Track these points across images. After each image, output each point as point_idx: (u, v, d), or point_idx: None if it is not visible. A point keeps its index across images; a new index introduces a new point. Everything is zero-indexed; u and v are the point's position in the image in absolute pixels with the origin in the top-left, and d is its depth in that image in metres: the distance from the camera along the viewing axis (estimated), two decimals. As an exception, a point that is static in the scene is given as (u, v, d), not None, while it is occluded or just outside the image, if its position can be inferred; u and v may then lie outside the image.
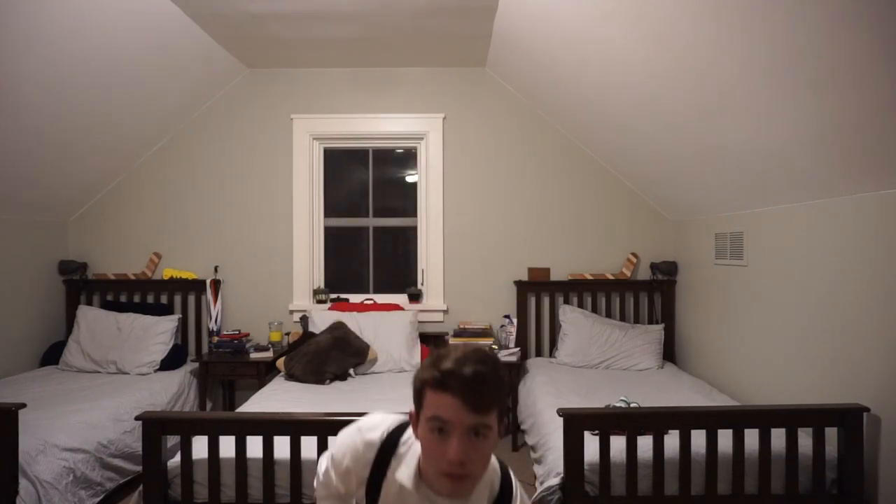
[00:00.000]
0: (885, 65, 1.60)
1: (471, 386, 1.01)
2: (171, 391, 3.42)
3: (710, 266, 3.44)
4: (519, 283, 4.01)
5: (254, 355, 3.70)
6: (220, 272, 4.08)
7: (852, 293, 2.22)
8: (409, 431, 1.17)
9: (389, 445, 1.17)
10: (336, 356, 3.47)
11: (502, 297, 4.06)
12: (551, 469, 2.25)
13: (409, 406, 1.13)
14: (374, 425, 1.21)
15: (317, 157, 4.21)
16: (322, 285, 4.20)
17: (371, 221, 4.29)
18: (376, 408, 1.40)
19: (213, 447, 2.07)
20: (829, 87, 1.82)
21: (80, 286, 4.01)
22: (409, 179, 4.31)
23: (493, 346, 3.77)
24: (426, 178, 4.12)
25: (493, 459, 1.19)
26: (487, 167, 4.11)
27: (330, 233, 4.25)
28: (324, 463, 1.31)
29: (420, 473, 1.13)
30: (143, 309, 3.93)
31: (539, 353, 4.02)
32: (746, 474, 2.09)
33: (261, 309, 4.09)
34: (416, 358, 3.68)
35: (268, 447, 2.06)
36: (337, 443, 1.25)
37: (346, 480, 1.22)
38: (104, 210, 4.13)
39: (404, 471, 1.13)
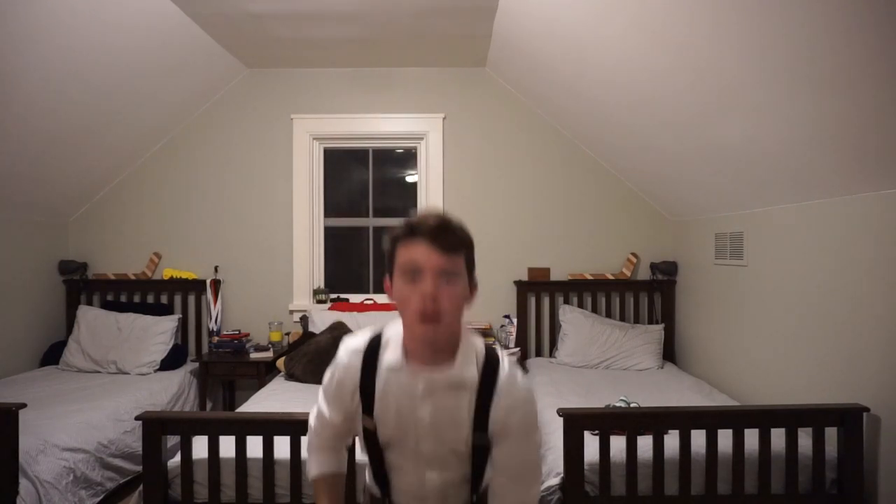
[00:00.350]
0: (884, 65, 1.60)
1: (437, 230, 1.08)
2: (171, 391, 3.43)
3: (710, 266, 3.44)
4: (519, 283, 4.01)
5: (254, 355, 3.70)
6: (220, 272, 4.08)
7: (852, 293, 2.22)
8: (389, 329, 1.22)
9: (374, 344, 1.21)
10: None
11: (502, 296, 4.05)
12: (551, 469, 2.25)
13: None
14: (355, 340, 1.25)
15: (317, 157, 4.21)
16: (322, 285, 4.20)
17: (371, 221, 4.30)
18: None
19: (213, 447, 2.07)
20: (829, 87, 1.83)
21: (80, 286, 4.01)
22: (409, 179, 4.31)
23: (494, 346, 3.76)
24: (426, 178, 4.12)
25: (479, 341, 1.23)
26: (487, 167, 4.11)
27: (330, 233, 4.25)
28: (313, 410, 1.33)
29: (406, 354, 1.17)
30: (143, 309, 3.93)
31: (539, 353, 4.02)
32: (746, 474, 2.09)
33: (261, 309, 4.09)
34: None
35: (268, 447, 2.06)
36: (325, 376, 1.28)
37: (340, 397, 1.23)
38: (104, 210, 4.13)
39: (390, 355, 1.18)
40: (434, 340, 1.12)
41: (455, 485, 1.23)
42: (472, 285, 1.16)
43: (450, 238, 1.09)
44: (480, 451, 1.19)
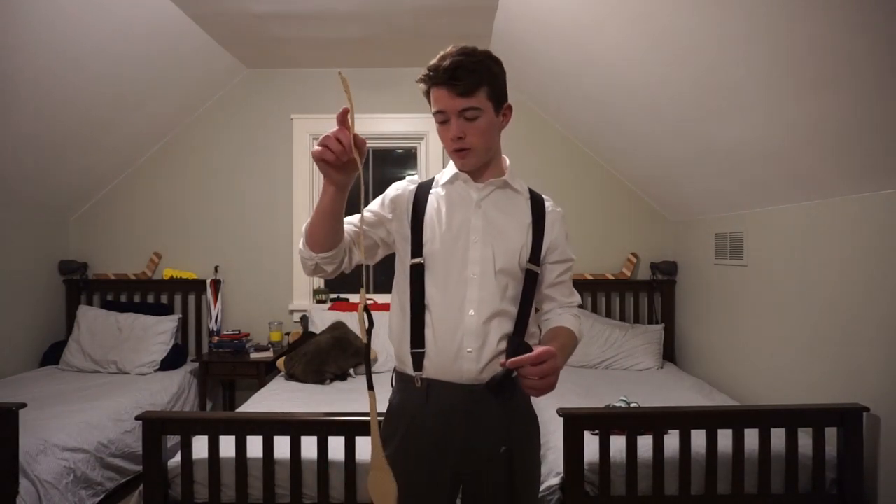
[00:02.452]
0: (884, 65, 1.60)
1: (450, 76, 1.21)
2: (172, 391, 3.43)
3: (710, 266, 3.44)
4: (519, 283, 4.00)
5: (254, 355, 3.70)
6: (220, 272, 4.08)
7: (852, 293, 2.23)
8: (438, 175, 1.41)
9: (426, 182, 1.41)
10: (336, 356, 3.47)
11: (502, 297, 4.05)
12: (551, 469, 2.25)
13: None
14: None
15: (317, 157, 4.20)
16: (322, 285, 4.20)
17: (371, 221, 4.29)
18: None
19: (213, 447, 2.07)
20: (829, 87, 1.83)
21: (81, 286, 4.01)
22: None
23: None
24: (426, 178, 4.11)
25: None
26: (487, 167, 4.10)
27: (330, 233, 4.24)
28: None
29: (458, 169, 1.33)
30: (143, 309, 3.93)
31: (539, 353, 4.02)
32: (746, 474, 2.09)
33: (261, 309, 4.08)
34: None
35: (268, 447, 2.06)
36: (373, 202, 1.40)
37: (390, 205, 1.37)
38: (104, 210, 4.13)
39: (445, 174, 1.37)
40: (470, 166, 1.31)
41: (495, 323, 1.26)
42: (501, 110, 1.32)
43: (466, 81, 1.21)
44: (530, 275, 1.30)
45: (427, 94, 1.28)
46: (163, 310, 3.97)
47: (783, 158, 2.36)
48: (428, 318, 1.27)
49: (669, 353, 3.87)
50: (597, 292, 4.02)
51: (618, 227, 4.08)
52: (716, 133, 2.58)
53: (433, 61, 1.25)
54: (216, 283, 4.01)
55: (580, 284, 3.99)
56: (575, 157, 4.09)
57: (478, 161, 1.30)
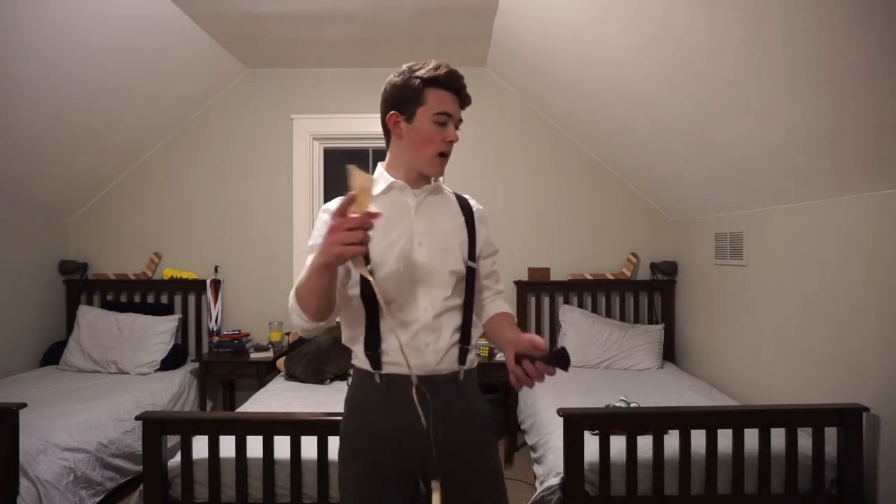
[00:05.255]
0: (884, 65, 1.60)
1: (463, 86, 1.36)
2: (172, 391, 3.43)
3: (710, 266, 3.44)
4: (519, 283, 4.01)
5: (254, 355, 3.70)
6: (220, 272, 4.08)
7: (852, 293, 2.23)
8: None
9: None
10: (336, 356, 3.48)
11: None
12: (551, 469, 2.25)
13: None
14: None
15: (317, 157, 4.21)
16: (322, 285, 4.20)
17: (371, 221, 4.29)
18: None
19: (213, 447, 2.08)
20: (828, 87, 1.83)
21: (81, 286, 4.01)
22: (409, 179, 4.31)
23: (493, 346, 3.77)
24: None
25: None
26: (487, 167, 4.11)
27: (330, 233, 4.25)
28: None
29: (392, 178, 1.38)
30: (144, 309, 3.93)
31: (539, 353, 4.02)
32: (746, 474, 2.09)
33: (261, 309, 4.08)
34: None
35: (268, 447, 2.06)
36: (312, 236, 1.38)
37: None
38: (104, 210, 4.13)
39: (380, 184, 1.37)
40: (442, 170, 1.37)
41: (446, 318, 1.33)
42: None
43: (467, 97, 1.37)
44: (471, 271, 1.39)
45: (420, 91, 1.31)
46: (163, 310, 3.97)
47: (783, 158, 2.36)
48: (382, 321, 1.31)
49: (669, 353, 3.87)
50: (597, 292, 4.02)
51: (618, 227, 4.08)
52: (715, 133, 2.59)
53: (436, 66, 1.31)
54: (216, 283, 4.01)
55: (580, 284, 3.99)
56: (575, 156, 4.09)
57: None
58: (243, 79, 4.12)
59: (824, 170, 2.22)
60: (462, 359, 1.35)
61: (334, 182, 4.28)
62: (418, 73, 1.32)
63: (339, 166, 4.30)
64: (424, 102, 1.31)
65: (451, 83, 1.32)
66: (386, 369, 1.31)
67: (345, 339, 1.41)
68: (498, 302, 1.51)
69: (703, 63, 2.22)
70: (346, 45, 3.65)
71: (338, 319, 1.37)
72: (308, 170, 4.13)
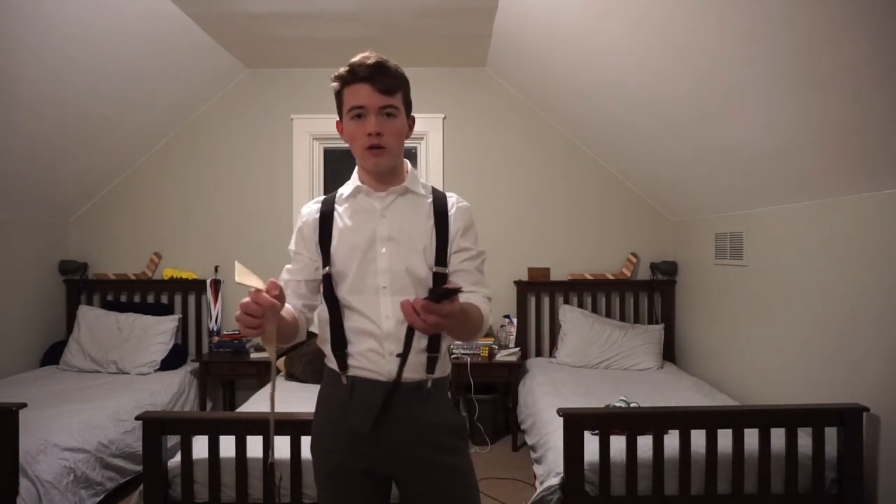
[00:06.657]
0: (884, 66, 1.60)
1: (376, 71, 1.25)
2: (172, 391, 3.42)
3: (709, 266, 3.44)
4: (519, 283, 4.01)
5: (254, 355, 3.70)
6: (221, 272, 4.08)
7: (852, 293, 2.23)
8: (341, 188, 1.43)
9: (329, 198, 1.44)
10: (336, 356, 3.47)
11: (502, 296, 4.05)
12: (551, 469, 2.25)
13: None
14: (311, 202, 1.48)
15: (317, 157, 4.21)
16: (322, 285, 4.20)
17: (371, 221, 4.29)
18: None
19: (213, 447, 2.08)
20: (828, 87, 1.83)
21: (81, 286, 4.01)
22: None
23: (493, 346, 3.78)
24: (426, 178, 4.11)
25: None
26: (487, 167, 4.11)
27: (330, 233, 4.24)
28: (283, 274, 1.46)
29: (359, 181, 1.37)
30: (144, 309, 3.93)
31: (539, 353, 4.02)
32: (746, 474, 2.09)
33: (261, 309, 4.07)
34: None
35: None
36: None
37: (303, 242, 1.43)
38: (104, 210, 4.13)
39: (347, 188, 1.39)
40: (381, 166, 1.31)
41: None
42: (409, 120, 1.35)
43: (388, 80, 1.26)
44: (438, 278, 1.32)
45: (339, 93, 1.30)
46: (163, 310, 3.97)
47: (783, 158, 2.36)
48: (347, 323, 1.32)
49: (669, 353, 3.87)
50: (597, 292, 4.02)
51: (618, 227, 4.08)
52: (715, 133, 2.59)
53: (352, 62, 1.28)
54: (216, 283, 4.01)
55: (580, 284, 3.99)
56: (575, 157, 4.09)
57: (390, 162, 1.32)
58: (243, 79, 4.12)
59: (824, 170, 2.22)
60: (430, 368, 1.31)
61: (334, 182, 4.28)
62: (335, 76, 1.30)
63: (339, 166, 4.29)
64: (343, 103, 1.30)
65: (360, 74, 1.25)
66: (352, 371, 1.31)
67: (318, 340, 1.42)
68: (471, 296, 1.34)
69: (704, 63, 2.22)
70: (346, 45, 3.64)
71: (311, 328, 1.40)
72: (308, 170, 4.13)
